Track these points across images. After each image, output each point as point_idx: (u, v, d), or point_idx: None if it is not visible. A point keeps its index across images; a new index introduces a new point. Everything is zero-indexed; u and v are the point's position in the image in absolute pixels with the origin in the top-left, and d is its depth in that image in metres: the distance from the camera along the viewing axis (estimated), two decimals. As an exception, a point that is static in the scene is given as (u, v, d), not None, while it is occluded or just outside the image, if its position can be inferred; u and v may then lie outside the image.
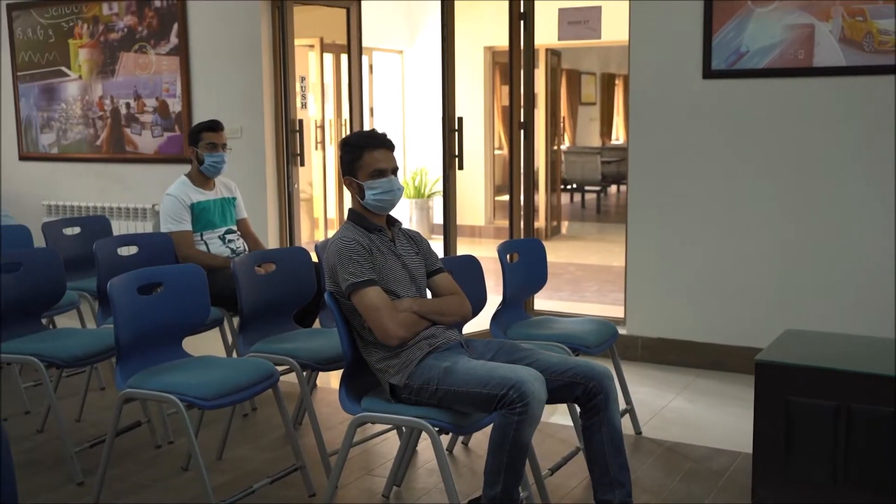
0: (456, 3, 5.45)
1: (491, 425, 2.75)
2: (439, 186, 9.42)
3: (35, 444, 3.96)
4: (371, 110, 9.44)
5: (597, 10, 5.29)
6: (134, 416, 3.85)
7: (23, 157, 7.35)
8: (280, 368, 3.37)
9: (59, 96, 7.08)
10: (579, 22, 5.34)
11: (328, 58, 7.90)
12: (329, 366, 3.46)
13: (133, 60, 6.67)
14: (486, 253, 4.66)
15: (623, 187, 13.53)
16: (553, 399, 2.83)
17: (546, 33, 5.80)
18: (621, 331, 4.83)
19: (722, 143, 4.72)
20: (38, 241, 5.04)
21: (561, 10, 5.37)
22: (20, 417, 4.27)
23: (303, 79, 7.53)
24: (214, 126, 4.62)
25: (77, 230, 5.09)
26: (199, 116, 6.11)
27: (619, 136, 16.31)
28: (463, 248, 5.47)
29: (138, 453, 3.79)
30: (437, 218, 9.93)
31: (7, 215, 5.49)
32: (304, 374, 3.51)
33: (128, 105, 6.75)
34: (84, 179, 7.05)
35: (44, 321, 4.10)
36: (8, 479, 1.74)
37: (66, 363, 3.53)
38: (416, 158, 10.20)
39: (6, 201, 5.62)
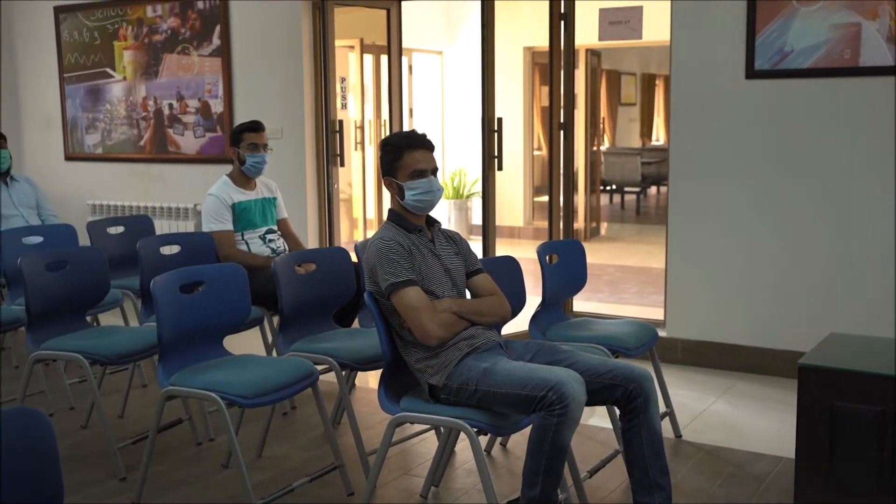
0: (496, 3, 5.45)
1: (530, 427, 2.74)
2: (478, 187, 9.42)
3: (79, 439, 4.02)
4: (410, 111, 9.46)
5: (638, 10, 5.24)
6: (175, 413, 3.89)
7: (68, 158, 7.47)
8: (319, 368, 3.39)
9: (103, 97, 7.18)
10: (620, 22, 5.29)
11: (368, 59, 7.94)
12: (368, 365, 3.48)
13: (176, 62, 6.75)
14: (524, 254, 4.65)
15: (663, 188, 13.43)
16: (592, 401, 2.81)
17: (586, 33, 5.77)
18: (661, 333, 4.79)
19: (765, 143, 4.67)
20: (83, 239, 5.12)
21: (602, 10, 5.33)
22: (65, 413, 4.33)
23: (343, 79, 7.58)
24: (256, 127, 4.66)
25: (121, 229, 5.16)
26: (241, 117, 6.17)
27: (659, 136, 16.19)
28: (501, 249, 5.46)
29: (179, 450, 3.84)
30: (476, 219, 9.92)
31: (53, 214, 5.58)
32: (343, 373, 3.53)
33: (170, 106, 6.83)
34: (127, 179, 7.15)
35: (88, 319, 4.16)
36: (55, 472, 1.77)
37: (110, 360, 3.58)
38: (455, 159, 10.21)
39: (52, 201, 5.71)
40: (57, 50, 7.34)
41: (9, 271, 4.56)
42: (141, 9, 6.85)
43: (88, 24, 7.16)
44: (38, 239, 4.82)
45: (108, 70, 7.12)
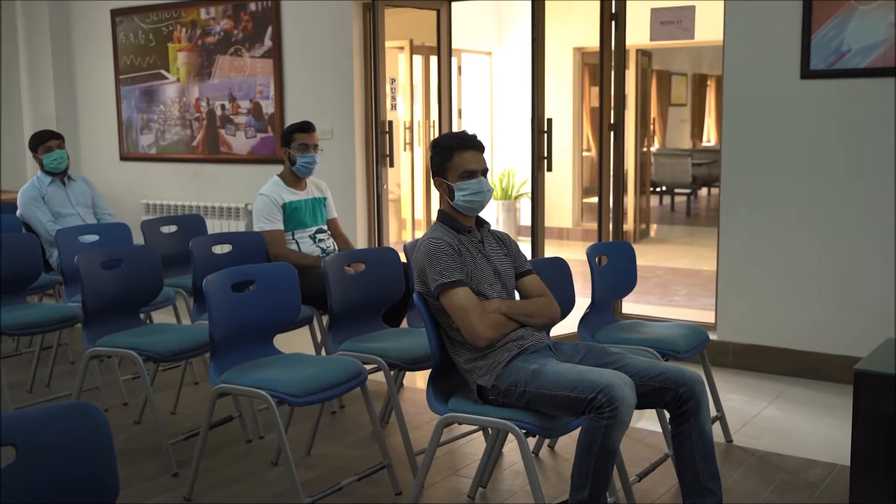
0: (546, 3, 5.43)
1: (578, 429, 2.73)
2: (526, 188, 9.40)
3: (132, 434, 4.09)
4: (459, 112, 9.47)
5: (690, 10, 5.20)
6: (226, 410, 3.94)
7: (123, 158, 7.60)
8: (368, 367, 3.41)
9: (157, 98, 7.30)
10: (672, 22, 5.26)
11: (417, 59, 7.96)
12: (416, 365, 3.48)
13: (228, 63, 6.83)
14: (573, 255, 4.64)
15: (714, 190, 13.26)
16: (642, 404, 2.79)
17: (637, 33, 5.72)
18: (712, 336, 4.74)
19: (820, 144, 4.59)
20: (137, 238, 5.21)
21: (653, 10, 5.30)
22: (119, 409, 4.41)
23: (393, 80, 7.60)
24: (306, 127, 4.70)
25: (173, 228, 5.23)
26: (292, 118, 6.22)
27: (710, 137, 16.00)
28: (550, 251, 5.45)
29: (230, 447, 3.88)
30: (524, 220, 9.90)
31: (109, 213, 5.68)
32: (392, 373, 3.54)
33: (223, 107, 6.92)
34: (180, 179, 7.26)
35: (142, 316, 4.23)
36: (111, 466, 1.80)
37: (163, 357, 3.63)
38: (504, 160, 10.19)
39: (107, 200, 5.81)
40: (113, 52, 7.48)
41: (66, 269, 4.65)
42: (195, 11, 6.95)
43: (143, 27, 7.28)
44: (94, 237, 4.91)
45: (163, 71, 7.24)
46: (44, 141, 5.49)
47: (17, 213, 5.42)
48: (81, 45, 7.71)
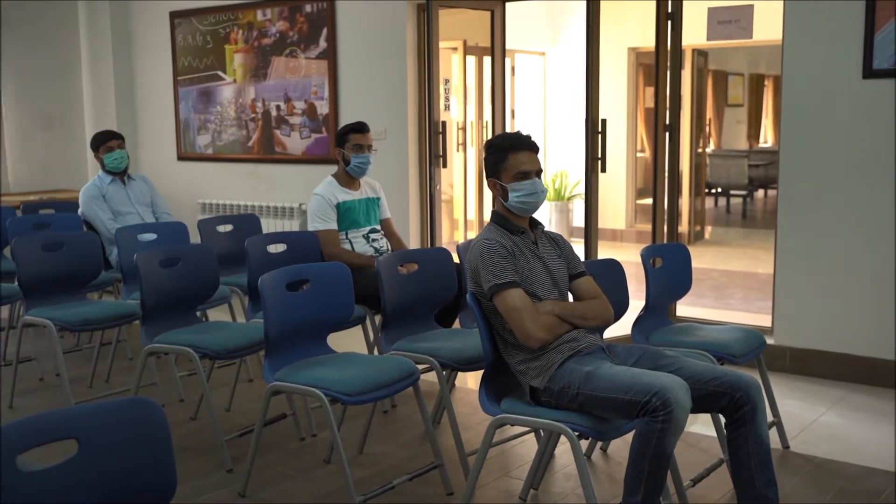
0: (601, 3, 5.39)
1: (632, 432, 2.70)
2: (579, 189, 9.34)
3: (189, 430, 4.15)
4: (512, 112, 9.45)
5: (748, 9, 5.11)
6: (280, 408, 3.97)
7: (181, 158, 7.72)
8: (420, 367, 3.41)
9: (214, 99, 7.40)
10: (730, 21, 5.18)
11: (471, 60, 7.96)
12: (469, 366, 3.48)
13: (284, 64, 6.91)
14: (626, 257, 4.59)
15: (771, 191, 13.06)
16: (697, 408, 2.75)
17: (693, 33, 5.65)
18: (769, 340, 4.66)
19: (882, 145, 4.49)
20: (194, 237, 5.29)
21: (711, 10, 5.22)
22: (175, 405, 4.48)
23: (446, 81, 7.62)
24: (361, 128, 4.73)
25: (229, 228, 5.30)
26: (346, 118, 6.26)
27: (767, 138, 15.75)
28: (603, 252, 5.41)
29: (283, 444, 3.92)
30: (577, 221, 9.84)
31: (167, 212, 5.78)
32: (444, 373, 3.54)
33: (278, 107, 6.99)
34: (236, 179, 7.35)
35: (198, 314, 4.29)
36: (169, 460, 1.83)
37: (219, 355, 3.68)
38: (557, 161, 10.14)
39: (165, 199, 5.91)
40: (171, 53, 7.60)
41: (125, 267, 4.74)
42: (251, 13, 7.03)
43: (201, 29, 7.39)
44: (153, 236, 4.99)
45: (219, 73, 7.34)
46: (105, 141, 5.60)
47: (79, 211, 5.54)
48: (141, 47, 7.85)
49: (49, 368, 5.07)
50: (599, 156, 5.45)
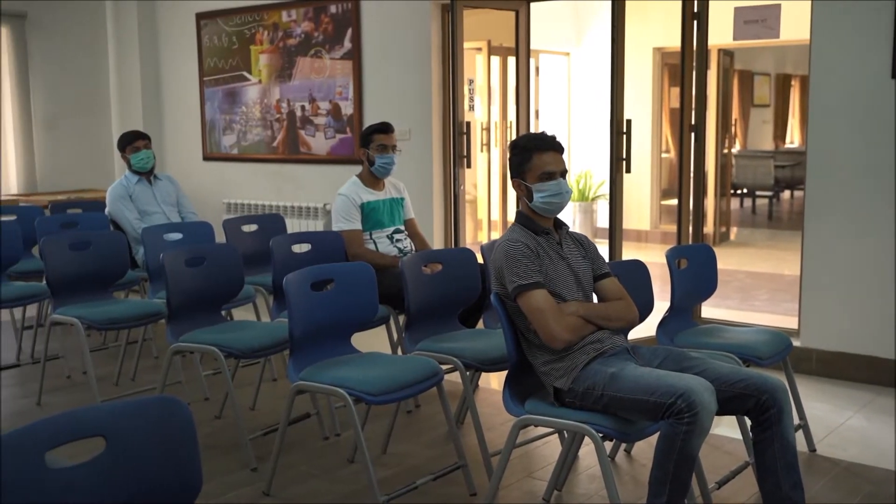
0: (626, 3, 5.37)
1: (656, 434, 2.69)
2: (603, 189, 9.31)
3: (213, 429, 4.18)
4: (536, 113, 9.43)
5: (776, 9, 5.06)
6: (304, 407, 3.99)
7: (206, 158, 7.77)
8: (444, 367, 3.41)
9: (240, 100, 7.44)
10: (756, 21, 5.14)
11: (495, 60, 7.95)
12: (492, 366, 3.48)
13: (308, 65, 6.93)
14: (650, 258, 4.57)
15: (797, 192, 12.94)
16: (723, 410, 2.73)
17: (719, 33, 5.61)
18: (795, 343, 4.62)
19: (911, 146, 4.44)
20: (219, 237, 5.32)
21: (737, 9, 5.18)
22: (200, 403, 4.51)
23: (471, 81, 7.61)
24: (385, 128, 4.74)
25: (254, 227, 5.33)
26: (370, 118, 6.28)
27: (793, 139, 15.62)
28: (627, 253, 5.39)
29: (307, 444, 3.93)
30: (601, 221, 9.80)
31: (192, 212, 5.82)
32: (468, 373, 3.54)
33: (303, 108, 7.02)
34: (261, 179, 7.39)
35: (223, 313, 4.31)
36: (195, 458, 1.84)
37: (243, 354, 3.70)
38: (581, 161, 10.11)
39: (191, 198, 5.95)
40: (198, 54, 7.65)
41: (151, 266, 4.78)
42: (276, 14, 7.06)
43: (227, 30, 7.43)
44: (178, 236, 5.02)
45: (245, 73, 7.37)
46: (131, 141, 5.64)
47: (105, 210, 5.59)
48: (167, 48, 7.91)
49: (76, 366, 5.12)
50: (624, 156, 5.43)
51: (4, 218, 5.74)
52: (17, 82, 7.70)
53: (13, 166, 7.78)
